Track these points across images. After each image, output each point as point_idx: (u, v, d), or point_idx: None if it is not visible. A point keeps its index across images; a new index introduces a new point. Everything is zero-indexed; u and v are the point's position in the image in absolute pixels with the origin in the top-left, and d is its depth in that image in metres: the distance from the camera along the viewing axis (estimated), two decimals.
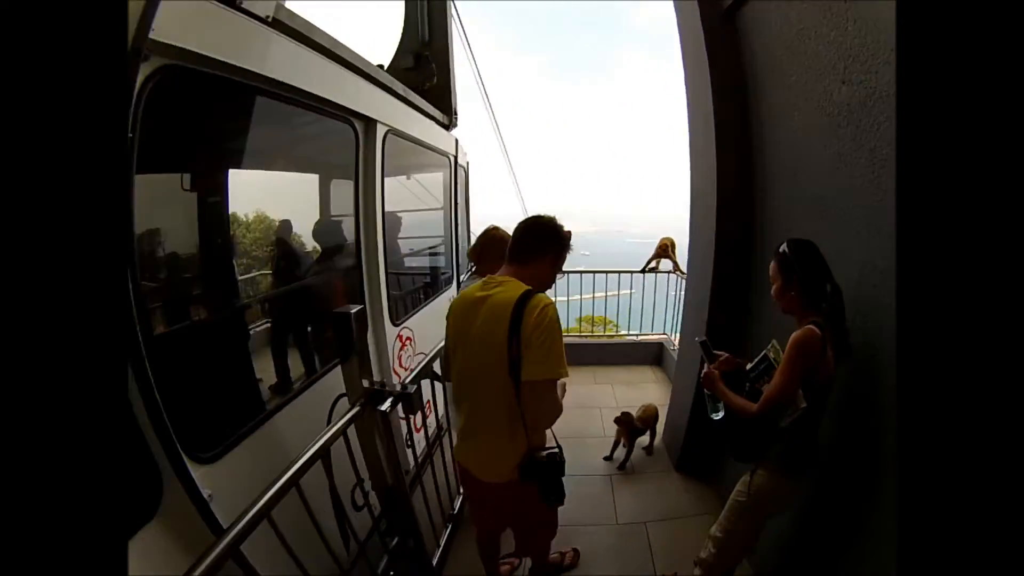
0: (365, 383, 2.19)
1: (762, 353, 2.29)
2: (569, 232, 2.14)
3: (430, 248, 5.01)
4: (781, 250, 2.14)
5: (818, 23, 2.39)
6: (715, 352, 2.56)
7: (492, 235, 3.03)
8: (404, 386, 2.32)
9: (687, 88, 3.88)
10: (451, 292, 5.05)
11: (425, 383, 2.69)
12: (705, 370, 2.41)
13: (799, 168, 2.71)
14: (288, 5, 2.16)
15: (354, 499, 2.30)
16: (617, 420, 4.22)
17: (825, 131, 2.39)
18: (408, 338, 3.80)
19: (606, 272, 7.01)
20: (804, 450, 2.15)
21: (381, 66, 4.91)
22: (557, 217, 2.14)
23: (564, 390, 2.19)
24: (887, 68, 1.90)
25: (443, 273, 5.09)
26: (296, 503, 1.71)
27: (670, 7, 3.85)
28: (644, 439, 4.42)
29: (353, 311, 2.04)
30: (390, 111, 3.39)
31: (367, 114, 3.01)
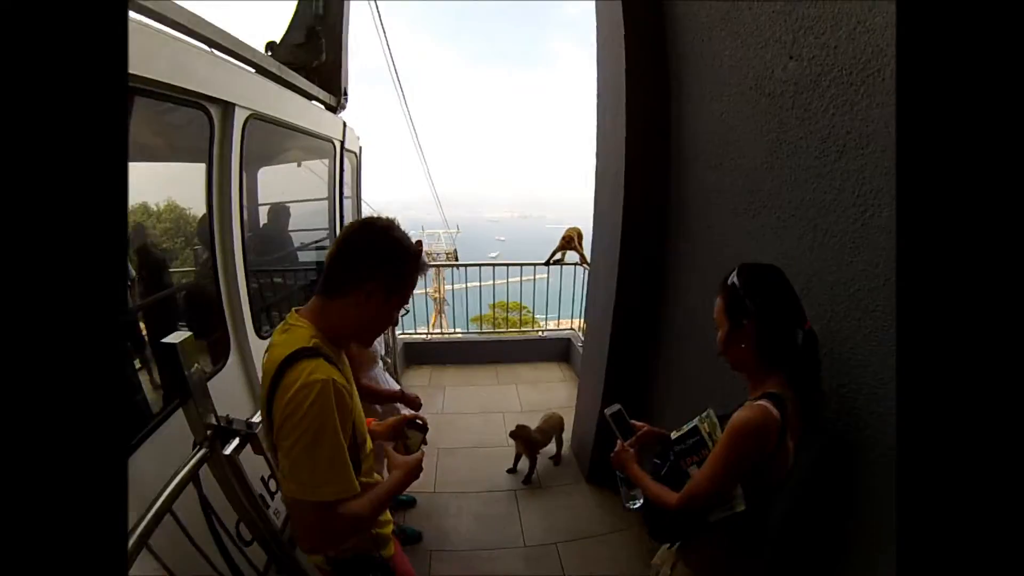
0: (210, 418, 1.83)
1: (692, 423, 1.67)
2: (418, 249, 1.41)
3: (312, 243, 4.57)
4: (729, 282, 1.53)
5: None
6: (631, 423, 1.95)
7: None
8: (250, 424, 1.93)
9: (599, 60, 3.45)
10: None
11: None
12: (617, 448, 1.87)
13: (726, 155, 2.40)
14: None
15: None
16: (513, 435, 3.88)
17: (762, 114, 2.06)
18: None
19: (507, 264, 6.85)
20: (743, 546, 1.61)
21: (272, 43, 4.53)
22: (398, 222, 1.42)
23: (422, 442, 1.80)
24: (850, 44, 1.53)
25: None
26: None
27: None
28: (551, 448, 4.11)
29: (179, 340, 1.63)
30: (255, 93, 2.99)
31: (223, 98, 2.61)
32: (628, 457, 1.80)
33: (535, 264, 6.63)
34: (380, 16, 6.29)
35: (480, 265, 6.94)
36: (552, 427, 4.05)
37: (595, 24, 3.39)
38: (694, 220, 2.76)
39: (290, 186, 4.32)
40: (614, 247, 3.26)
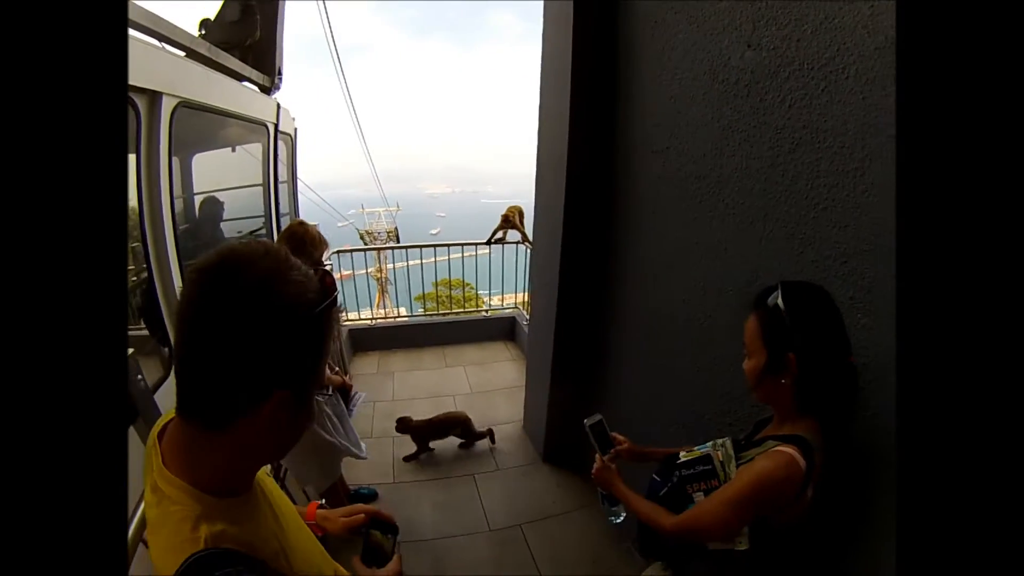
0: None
1: (705, 448, 1.53)
2: (328, 286, 0.82)
3: (247, 234, 4.40)
4: (771, 303, 1.30)
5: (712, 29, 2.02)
6: (612, 436, 1.81)
7: (294, 231, 2.60)
8: None
9: (544, 36, 3.33)
10: None
11: None
12: (597, 464, 1.74)
13: (673, 140, 2.38)
14: None
15: None
16: (398, 430, 3.97)
17: (715, 100, 2.03)
18: None
19: (448, 245, 6.84)
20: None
21: (207, 20, 4.28)
22: (272, 253, 0.77)
23: None
24: (814, 39, 1.51)
25: None
26: None
27: None
28: (485, 442, 4.16)
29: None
30: (184, 79, 2.82)
31: (149, 87, 2.45)
32: (612, 475, 1.69)
33: (476, 243, 6.67)
34: None
35: (421, 247, 6.89)
36: (451, 420, 4.10)
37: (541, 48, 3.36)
38: (638, 205, 2.78)
39: (223, 173, 4.14)
40: (557, 229, 3.27)
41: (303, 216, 5.54)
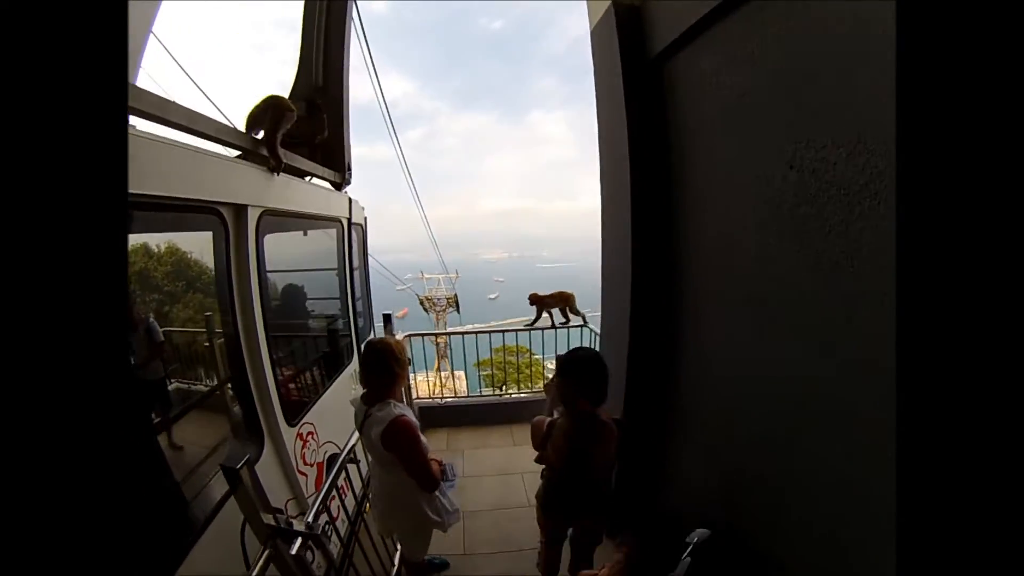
0: (269, 519, 2.03)
1: None
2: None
3: (325, 325, 4.72)
4: None
5: (767, 90, 1.98)
6: None
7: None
8: (309, 526, 2.20)
9: (602, 146, 3.54)
10: (353, 365, 4.78)
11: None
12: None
13: (721, 259, 2.46)
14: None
15: None
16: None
17: (760, 221, 2.07)
18: (310, 433, 3.52)
19: (502, 331, 7.30)
20: None
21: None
22: None
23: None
24: (849, 164, 1.53)
25: (342, 346, 4.80)
26: None
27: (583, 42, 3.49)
28: None
29: (241, 464, 1.89)
30: (266, 188, 3.14)
31: (235, 201, 2.77)
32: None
33: (516, 330, 7.06)
34: (373, 61, 6.53)
35: (476, 333, 7.29)
36: None
37: (596, 113, 3.55)
38: (694, 321, 2.88)
39: (302, 262, 4.50)
40: (623, 339, 3.37)
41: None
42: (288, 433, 3.16)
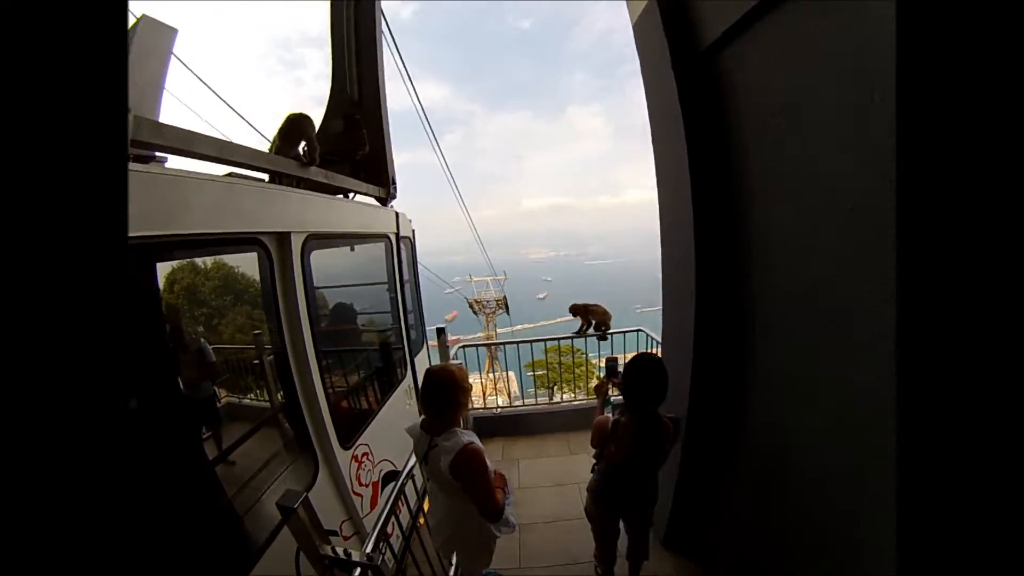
0: (326, 550, 2.07)
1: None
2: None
3: (377, 342, 4.72)
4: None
5: (827, 82, 1.82)
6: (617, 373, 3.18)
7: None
8: (370, 556, 2.17)
9: (656, 144, 3.42)
10: (407, 381, 4.78)
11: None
12: (601, 381, 3.43)
13: (781, 261, 2.39)
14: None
15: None
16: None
17: (828, 225, 1.92)
18: (365, 454, 3.53)
19: (543, 340, 7.19)
20: None
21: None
22: None
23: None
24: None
25: (395, 360, 4.80)
26: None
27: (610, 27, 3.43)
28: None
29: (297, 504, 1.93)
30: (307, 212, 3.15)
31: (277, 229, 2.78)
32: (603, 391, 3.33)
33: (570, 337, 7.02)
34: (407, 68, 6.54)
35: (518, 343, 7.22)
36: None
37: (648, 116, 3.43)
38: (761, 331, 2.74)
39: (352, 277, 4.52)
40: (686, 348, 3.25)
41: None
42: (343, 456, 3.16)
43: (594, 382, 4.10)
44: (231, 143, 2.51)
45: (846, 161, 1.73)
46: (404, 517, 3.31)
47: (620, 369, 2.87)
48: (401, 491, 2.86)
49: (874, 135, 1.50)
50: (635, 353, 2.85)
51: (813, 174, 2.01)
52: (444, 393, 2.43)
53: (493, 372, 10.68)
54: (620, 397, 2.92)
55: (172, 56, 2.61)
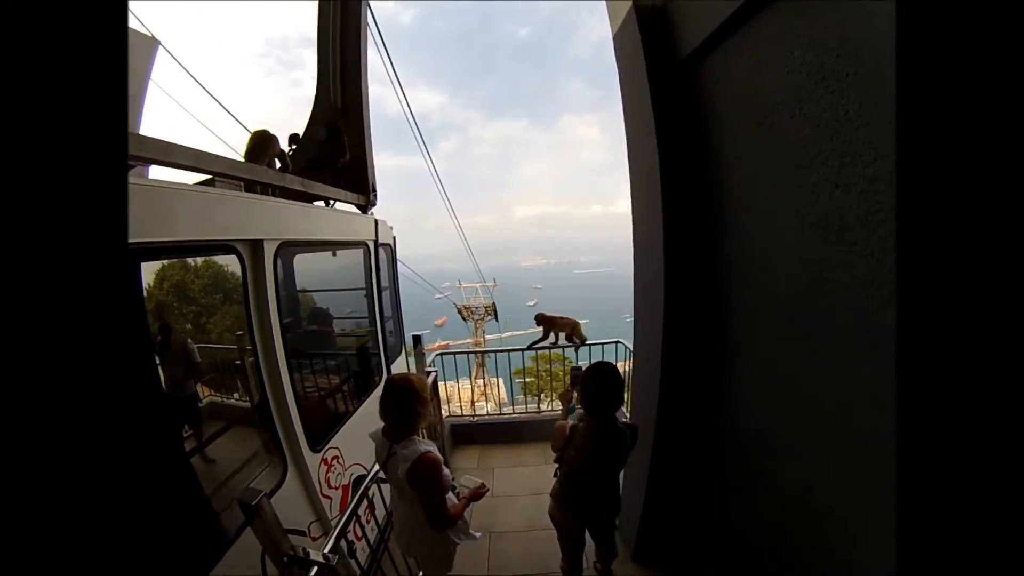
0: (286, 547, 2.13)
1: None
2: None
3: (353, 346, 4.78)
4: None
5: (805, 97, 1.84)
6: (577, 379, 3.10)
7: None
8: (326, 556, 2.22)
9: (631, 154, 3.45)
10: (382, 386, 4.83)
11: None
12: (567, 390, 3.39)
13: (766, 277, 2.38)
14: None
15: None
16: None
17: (806, 243, 1.95)
18: (335, 457, 3.58)
19: (521, 350, 7.08)
20: None
21: (296, 135, 4.75)
22: None
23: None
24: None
25: (372, 365, 4.87)
26: None
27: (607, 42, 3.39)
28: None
29: (255, 501, 1.98)
30: (282, 220, 3.22)
31: (250, 236, 2.84)
32: (567, 400, 3.27)
33: (521, 349, 7.00)
34: (398, 75, 6.59)
35: (496, 351, 7.23)
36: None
37: (623, 125, 3.47)
38: (739, 338, 2.80)
39: (328, 283, 4.61)
40: (655, 356, 3.31)
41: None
42: (312, 459, 3.22)
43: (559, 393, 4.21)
44: (208, 153, 2.57)
45: (836, 165, 1.73)
46: (382, 518, 3.39)
47: None
48: (364, 495, 2.92)
49: (866, 138, 1.55)
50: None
51: (796, 182, 2.00)
52: (403, 403, 2.50)
53: (482, 378, 10.72)
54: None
55: (152, 68, 2.68)
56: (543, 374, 11.56)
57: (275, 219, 3.12)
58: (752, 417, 2.72)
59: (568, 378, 3.83)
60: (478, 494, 2.94)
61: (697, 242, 2.98)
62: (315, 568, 2.14)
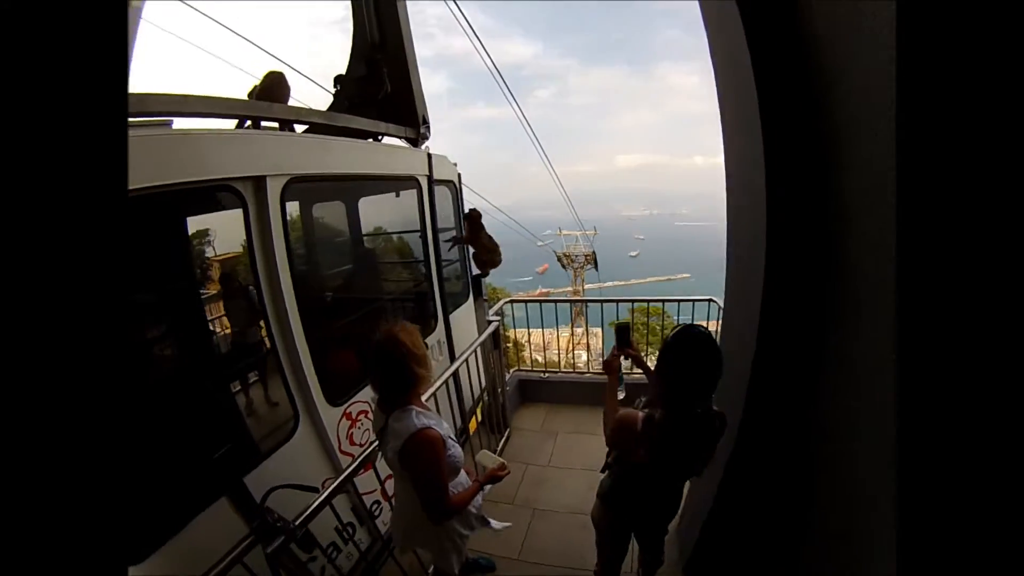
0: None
1: None
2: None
3: (396, 292, 4.51)
4: None
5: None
6: (632, 343, 2.73)
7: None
8: (291, 522, 2.07)
9: (722, 107, 2.76)
10: (438, 334, 4.51)
11: None
12: (611, 354, 2.66)
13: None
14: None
15: None
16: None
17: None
18: (362, 412, 3.32)
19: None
20: None
21: (340, 76, 4.57)
22: None
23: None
24: None
25: (427, 313, 4.52)
26: None
27: None
28: None
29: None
30: (290, 155, 2.90)
31: (250, 173, 2.59)
32: (614, 365, 2.56)
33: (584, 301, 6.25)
34: (470, 23, 6.14)
35: (588, 302, 6.68)
36: None
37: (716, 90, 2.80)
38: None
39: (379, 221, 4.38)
40: (752, 323, 2.45)
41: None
42: (329, 412, 3.01)
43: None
44: (194, 96, 2.51)
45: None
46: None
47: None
48: (363, 463, 2.67)
49: None
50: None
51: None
52: (389, 364, 2.05)
53: (581, 326, 10.43)
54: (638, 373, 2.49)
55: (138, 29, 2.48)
56: (639, 327, 10.97)
57: (280, 152, 2.82)
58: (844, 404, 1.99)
59: (615, 337, 2.71)
60: (496, 476, 2.46)
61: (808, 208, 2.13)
62: (280, 539, 2.02)
